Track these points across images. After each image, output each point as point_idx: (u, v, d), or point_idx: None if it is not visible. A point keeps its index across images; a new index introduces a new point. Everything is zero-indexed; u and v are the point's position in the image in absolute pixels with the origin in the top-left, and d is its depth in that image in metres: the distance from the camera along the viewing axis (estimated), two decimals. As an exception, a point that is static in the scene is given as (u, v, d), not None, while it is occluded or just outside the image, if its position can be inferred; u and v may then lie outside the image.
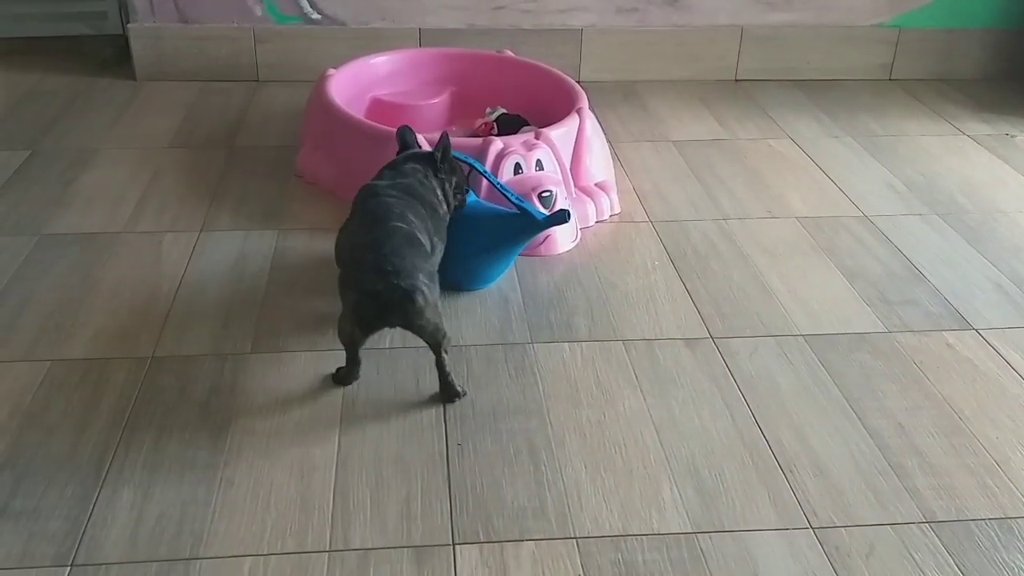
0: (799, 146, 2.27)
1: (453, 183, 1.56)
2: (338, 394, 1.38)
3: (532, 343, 1.52)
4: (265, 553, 1.12)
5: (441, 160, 1.53)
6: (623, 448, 1.30)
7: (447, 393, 1.38)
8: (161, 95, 2.45)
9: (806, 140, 2.30)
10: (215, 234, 1.80)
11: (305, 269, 1.70)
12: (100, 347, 1.47)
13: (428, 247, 1.39)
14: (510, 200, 1.61)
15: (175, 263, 1.70)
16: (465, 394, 1.39)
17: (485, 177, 1.68)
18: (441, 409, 1.36)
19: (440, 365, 1.37)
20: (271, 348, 1.48)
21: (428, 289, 1.31)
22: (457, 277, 1.62)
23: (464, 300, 1.62)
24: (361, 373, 1.41)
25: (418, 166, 1.52)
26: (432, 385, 1.40)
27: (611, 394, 1.41)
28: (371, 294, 1.29)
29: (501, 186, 1.65)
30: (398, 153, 1.61)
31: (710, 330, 1.56)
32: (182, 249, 1.74)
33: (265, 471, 1.24)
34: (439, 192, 1.52)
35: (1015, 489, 1.25)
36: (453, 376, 1.38)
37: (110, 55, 2.65)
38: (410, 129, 1.66)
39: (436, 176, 1.53)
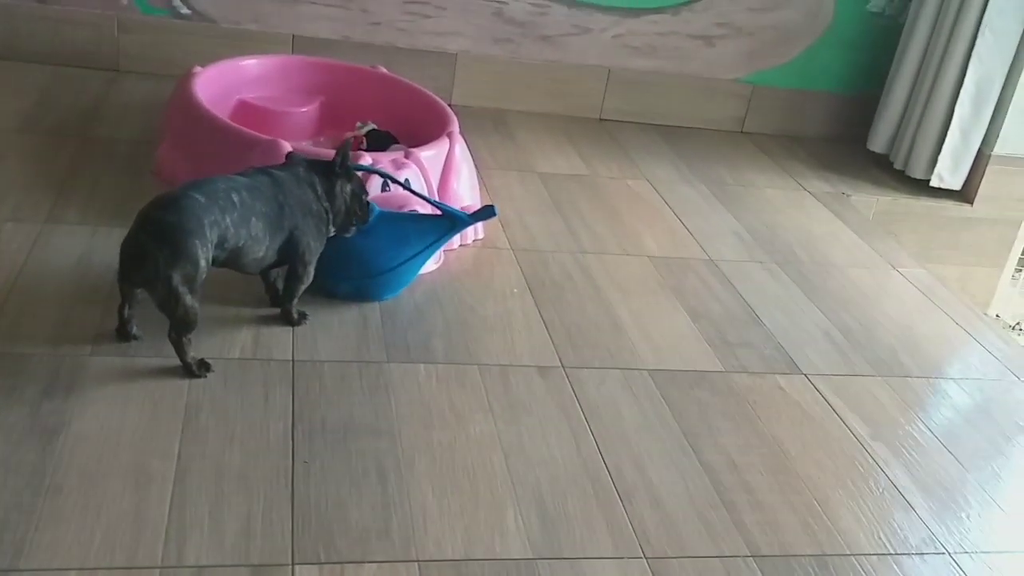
0: (655, 188, 2.37)
1: (348, 190, 1.56)
2: (180, 403, 1.34)
3: (388, 362, 1.52)
4: (91, 567, 1.07)
5: (340, 164, 1.54)
6: (471, 472, 1.32)
7: (184, 368, 1.40)
8: (10, 76, 2.31)
9: (662, 183, 2.40)
10: (61, 227, 1.71)
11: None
12: (-79, 339, 1.37)
13: (236, 233, 1.39)
14: (430, 203, 1.67)
15: (13, 255, 1.60)
16: (207, 369, 1.40)
17: (396, 183, 1.69)
18: (290, 425, 1.34)
19: (174, 344, 1.39)
20: (112, 351, 1.42)
21: (176, 262, 1.31)
22: (378, 288, 1.65)
23: (322, 315, 1.61)
24: (206, 375, 1.41)
25: (299, 167, 1.53)
26: (282, 401, 1.38)
27: (463, 418, 1.42)
28: (126, 242, 1.35)
29: (418, 192, 1.70)
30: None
31: (562, 359, 1.61)
32: (22, 240, 1.65)
33: (98, 479, 1.18)
34: (319, 190, 1.52)
35: (832, 527, 1.34)
36: (188, 359, 1.40)
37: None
38: (296, 155, 1.63)
39: (325, 177, 1.53)
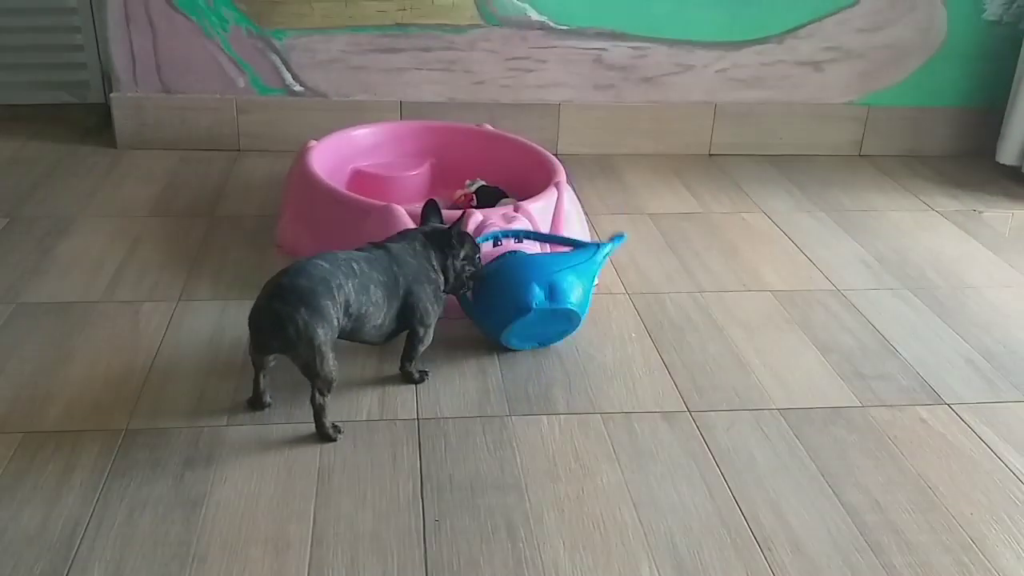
0: (772, 220, 2.31)
1: (462, 255, 1.61)
2: (313, 468, 1.37)
3: (510, 415, 1.52)
4: (237, 634, 1.10)
5: (457, 239, 1.60)
6: (601, 524, 1.29)
7: (319, 432, 1.44)
8: (142, 164, 2.46)
9: (778, 214, 2.34)
10: (193, 304, 1.80)
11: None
12: (73, 419, 1.45)
13: (357, 299, 1.44)
14: (566, 243, 1.77)
15: (152, 333, 1.69)
16: (339, 432, 1.44)
17: (528, 238, 1.78)
18: (419, 484, 1.35)
19: (313, 407, 1.42)
20: (247, 421, 1.47)
21: (313, 322, 1.36)
22: (564, 326, 1.69)
23: (443, 370, 1.63)
24: (338, 440, 1.44)
25: (416, 241, 1.59)
26: (410, 460, 1.39)
27: (589, 468, 1.40)
28: (257, 312, 1.40)
29: (551, 237, 1.81)
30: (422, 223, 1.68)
31: (687, 403, 1.57)
32: (160, 319, 1.74)
33: (239, 547, 1.22)
34: (434, 263, 1.58)
35: (990, 566, 1.25)
36: (326, 420, 1.43)
37: (92, 123, 2.67)
38: (435, 203, 1.71)
39: (441, 250, 1.59)
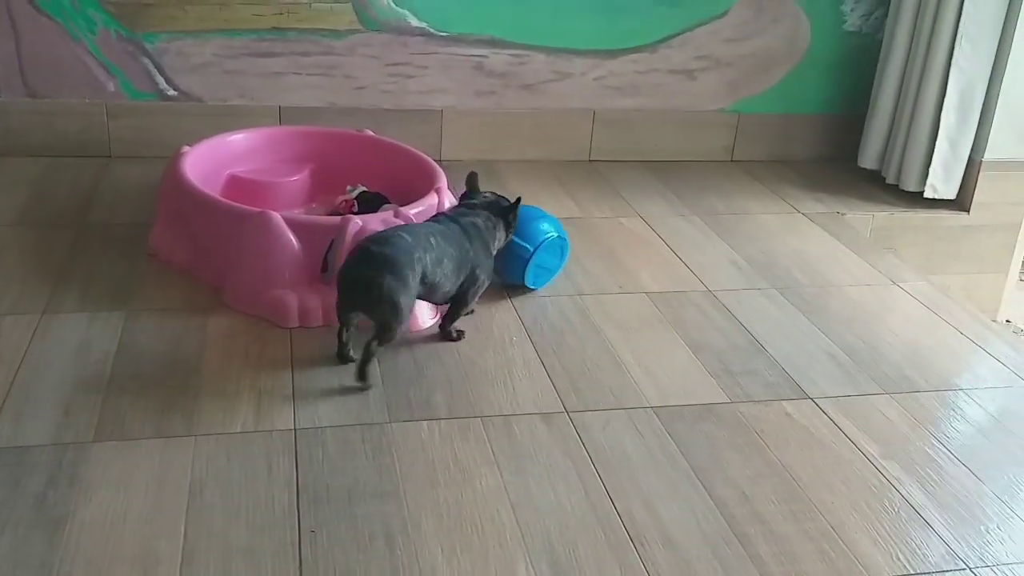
0: (649, 224, 2.37)
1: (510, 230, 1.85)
2: (184, 483, 1.34)
3: (390, 422, 1.52)
4: (102, 657, 1.06)
5: (513, 217, 1.83)
6: (480, 527, 1.30)
7: (362, 367, 1.59)
8: (6, 172, 2.35)
9: (655, 219, 2.41)
10: (59, 316, 1.73)
11: (154, 352, 1.65)
12: (-75, 440, 1.38)
13: (432, 271, 1.62)
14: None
15: (14, 348, 1.62)
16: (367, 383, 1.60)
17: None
18: (295, 495, 1.33)
19: (367, 348, 1.58)
20: (115, 436, 1.42)
21: (396, 288, 1.54)
22: (560, 259, 2.01)
23: (322, 378, 1.61)
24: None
25: (481, 215, 1.78)
26: (286, 471, 1.38)
27: (469, 472, 1.41)
28: (347, 274, 1.58)
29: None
30: (465, 195, 1.87)
31: (565, 404, 1.60)
32: (22, 333, 1.66)
33: (104, 567, 1.18)
34: (496, 235, 1.80)
35: (849, 552, 1.32)
36: (370, 366, 1.59)
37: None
38: (475, 174, 1.89)
39: (505, 221, 1.81)
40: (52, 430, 1.42)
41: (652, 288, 2.04)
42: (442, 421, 1.53)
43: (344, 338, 1.65)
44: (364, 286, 1.54)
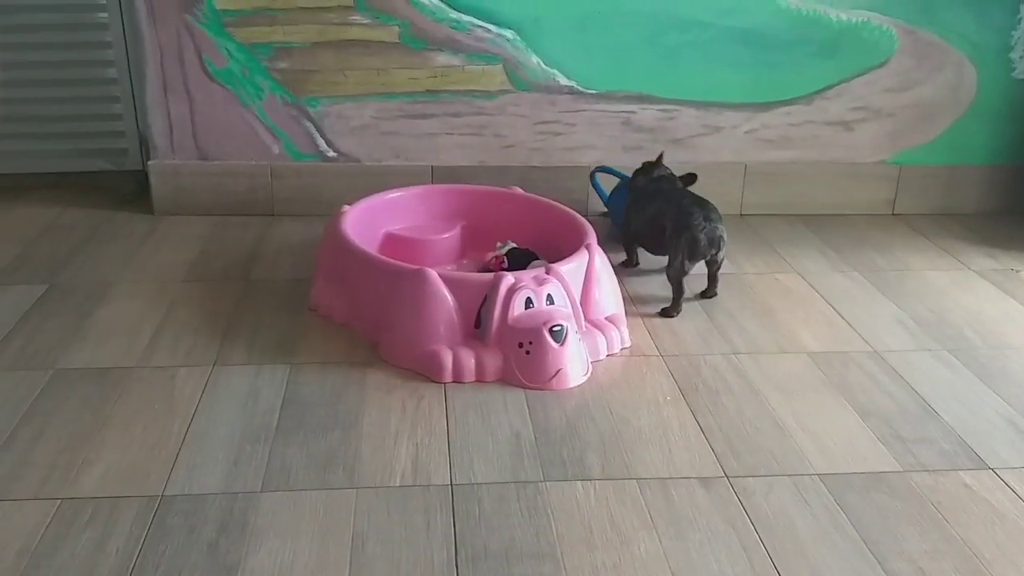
0: (806, 280, 2.29)
1: None
2: (347, 534, 1.36)
3: (544, 481, 1.50)
4: None
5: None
6: (639, 594, 1.26)
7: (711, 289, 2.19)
8: (178, 229, 2.50)
9: (813, 274, 2.33)
10: (228, 368, 1.81)
11: (316, 404, 1.70)
12: (110, 485, 1.45)
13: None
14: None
15: (188, 399, 1.70)
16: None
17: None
18: (453, 552, 1.33)
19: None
20: (281, 486, 1.47)
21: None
22: None
23: (476, 434, 1.62)
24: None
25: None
26: (444, 527, 1.38)
27: (626, 536, 1.38)
28: (708, 233, 2.07)
29: None
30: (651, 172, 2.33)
31: (724, 468, 1.55)
32: (195, 384, 1.75)
33: (272, 618, 1.20)
34: None
35: (1046, 640, 1.21)
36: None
37: (130, 190, 2.72)
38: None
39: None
40: (223, 479, 1.48)
41: (813, 348, 1.96)
42: (597, 482, 1.50)
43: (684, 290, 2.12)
44: (720, 235, 2.08)
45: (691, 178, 2.30)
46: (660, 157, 2.34)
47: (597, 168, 2.56)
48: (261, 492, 1.45)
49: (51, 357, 1.83)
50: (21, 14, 2.59)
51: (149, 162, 2.59)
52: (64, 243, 2.39)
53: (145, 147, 2.66)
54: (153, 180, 2.59)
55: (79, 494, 1.43)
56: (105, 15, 2.62)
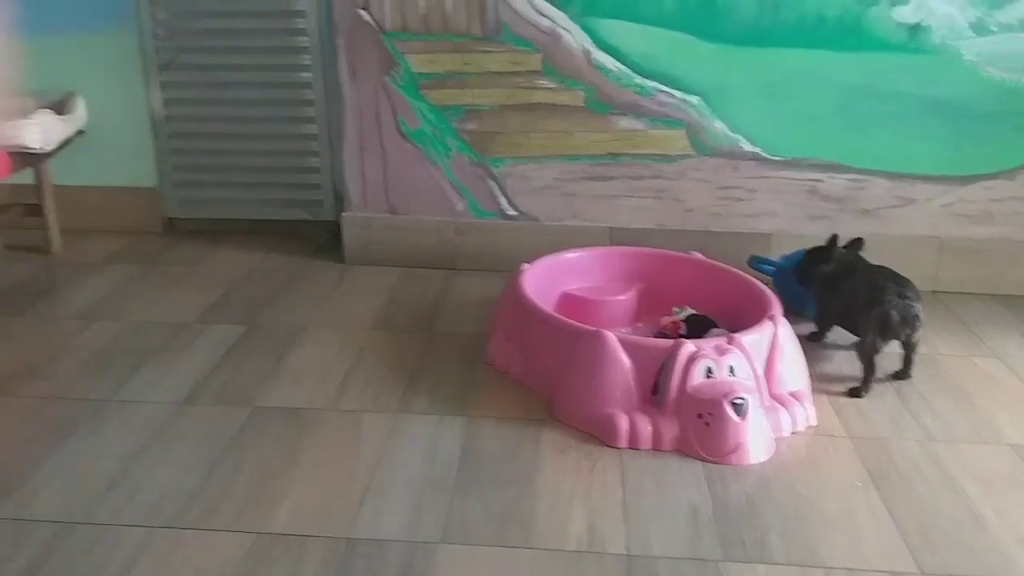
0: (1009, 367, 2.14)
1: None
2: (524, 596, 1.36)
3: (723, 560, 1.46)
4: None
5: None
6: None
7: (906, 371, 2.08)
8: (367, 279, 2.62)
9: (1017, 360, 2.18)
10: (410, 416, 1.87)
11: (493, 458, 1.72)
12: (300, 523, 1.52)
13: None
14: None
15: (373, 443, 1.76)
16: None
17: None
18: (630, 624, 1.31)
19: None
20: (459, 539, 1.49)
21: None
22: None
23: (650, 505, 1.59)
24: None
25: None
26: (621, 596, 1.36)
27: (811, 626, 1.32)
28: (901, 310, 1.97)
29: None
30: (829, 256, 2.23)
31: (919, 563, 1.45)
32: (380, 430, 1.81)
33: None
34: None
35: None
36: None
37: (324, 240, 2.88)
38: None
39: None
40: (405, 527, 1.52)
41: (1017, 440, 1.83)
42: (779, 567, 1.45)
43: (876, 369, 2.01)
44: (915, 313, 1.97)
45: (858, 243, 2.22)
46: (834, 239, 2.21)
47: (753, 257, 2.45)
48: (440, 543, 1.48)
49: (249, 395, 1.94)
50: (232, 72, 2.82)
51: (343, 214, 2.73)
52: (263, 287, 2.55)
53: (339, 200, 2.82)
54: (345, 231, 2.73)
55: (271, 529, 1.50)
56: (309, 75, 2.81)
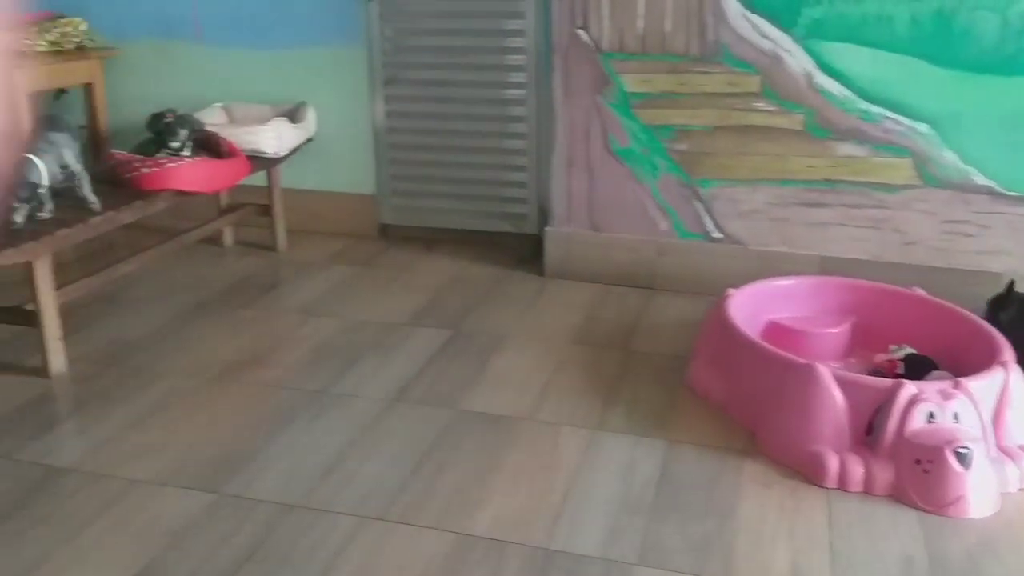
0: None
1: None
2: (723, 629, 1.33)
3: (941, 618, 1.36)
4: None
5: None
6: None
7: None
8: (565, 293, 2.65)
9: None
10: (607, 434, 1.87)
11: (692, 485, 1.69)
12: (500, 528, 1.55)
13: None
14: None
15: (570, 457, 1.78)
16: None
17: None
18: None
19: None
20: (656, 563, 1.47)
21: None
22: None
23: (860, 552, 1.51)
24: None
25: None
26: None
27: None
28: None
29: None
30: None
31: None
32: (577, 444, 1.82)
33: None
34: None
35: None
36: None
37: (525, 252, 2.94)
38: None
39: None
40: (600, 544, 1.52)
41: None
42: (1006, 632, 1.34)
43: None
44: None
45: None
46: (1011, 286, 2.11)
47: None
48: (636, 565, 1.47)
49: (453, 398, 2.00)
50: (449, 87, 2.93)
51: (546, 228, 2.78)
52: (468, 294, 2.63)
53: (543, 214, 2.86)
54: (547, 245, 2.77)
55: (472, 532, 1.54)
56: (522, 92, 2.88)
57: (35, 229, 2.03)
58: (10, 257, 1.95)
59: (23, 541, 1.51)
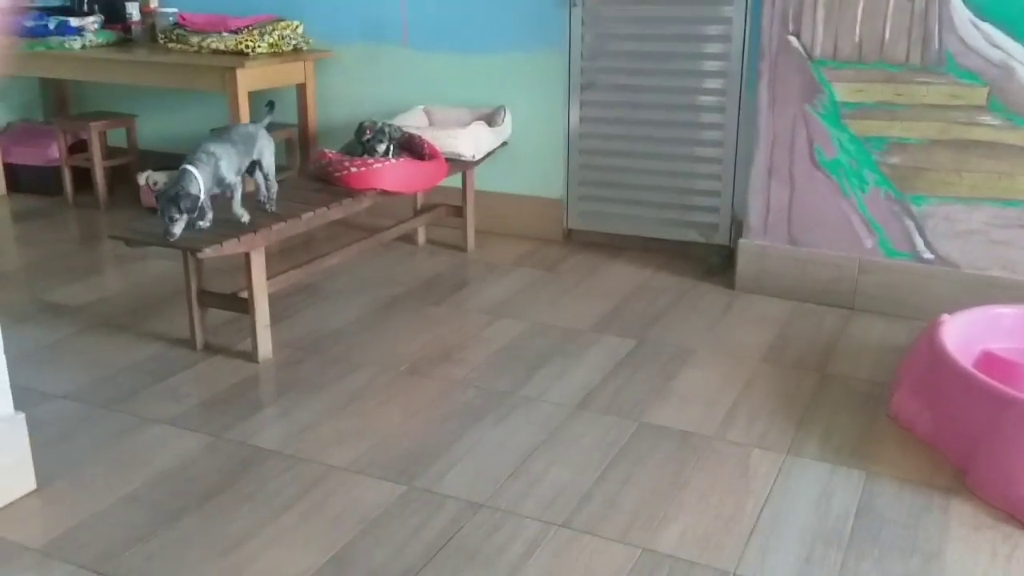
0: None
1: None
2: None
3: None
4: None
5: None
6: None
7: None
8: (756, 308, 2.56)
9: None
10: (801, 460, 1.78)
11: (893, 522, 1.59)
12: (686, 547, 1.51)
13: None
14: None
15: (761, 481, 1.71)
16: None
17: None
18: None
19: None
20: (853, 602, 1.39)
21: None
22: None
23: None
24: None
25: None
26: None
27: None
28: None
29: None
30: None
31: None
32: (768, 468, 1.75)
33: None
34: None
35: None
36: None
37: (715, 264, 2.86)
38: None
39: None
40: (793, 574, 1.45)
41: None
42: None
43: None
44: None
45: None
46: None
47: None
48: (836, 602, 1.39)
49: (637, 409, 1.97)
50: (644, 93, 2.89)
51: (740, 240, 2.69)
52: (653, 304, 2.59)
53: (735, 225, 2.78)
54: (740, 257, 2.68)
55: (658, 548, 1.51)
56: (721, 99, 2.81)
57: (255, 221, 2.14)
58: (233, 248, 2.08)
59: (231, 517, 1.61)
